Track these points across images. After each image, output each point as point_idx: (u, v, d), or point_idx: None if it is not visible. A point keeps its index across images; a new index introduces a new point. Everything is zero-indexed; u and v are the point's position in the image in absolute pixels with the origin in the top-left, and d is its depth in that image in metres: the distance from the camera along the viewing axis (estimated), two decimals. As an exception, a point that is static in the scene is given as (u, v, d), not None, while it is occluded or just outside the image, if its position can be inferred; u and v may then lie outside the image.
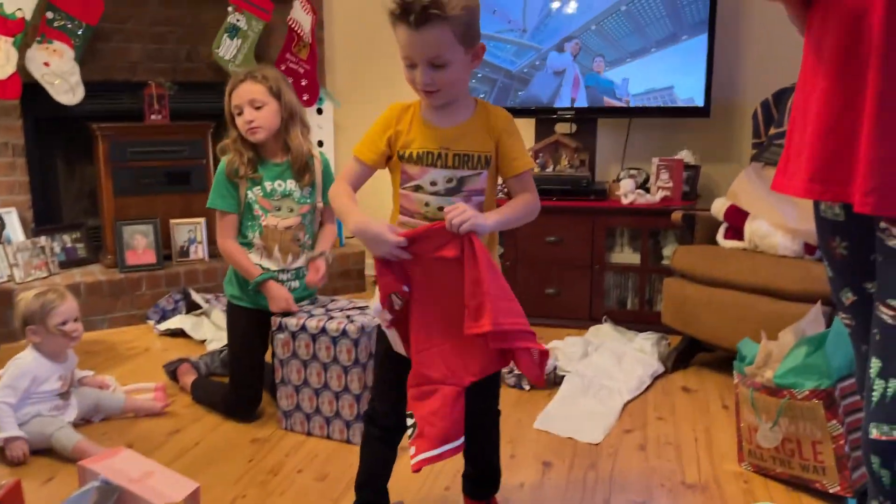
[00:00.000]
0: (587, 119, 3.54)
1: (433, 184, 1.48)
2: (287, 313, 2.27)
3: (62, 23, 3.29)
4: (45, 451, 2.15)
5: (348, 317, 2.21)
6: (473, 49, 1.42)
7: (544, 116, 3.58)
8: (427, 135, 1.48)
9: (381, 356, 1.65)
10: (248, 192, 2.34)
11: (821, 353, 1.87)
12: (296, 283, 2.40)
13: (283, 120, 2.33)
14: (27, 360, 2.22)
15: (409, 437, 1.52)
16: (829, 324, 2.00)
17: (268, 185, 2.33)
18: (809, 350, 1.91)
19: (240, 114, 2.29)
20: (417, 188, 1.50)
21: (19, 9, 3.17)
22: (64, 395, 2.28)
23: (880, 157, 1.08)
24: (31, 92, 3.28)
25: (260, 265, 2.34)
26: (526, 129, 3.71)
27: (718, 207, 2.85)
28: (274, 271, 2.34)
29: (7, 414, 2.13)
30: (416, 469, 1.48)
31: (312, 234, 2.45)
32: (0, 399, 2.13)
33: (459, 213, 1.39)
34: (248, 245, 2.37)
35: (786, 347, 1.98)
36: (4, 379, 2.18)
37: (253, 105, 2.28)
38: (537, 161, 3.52)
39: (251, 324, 2.37)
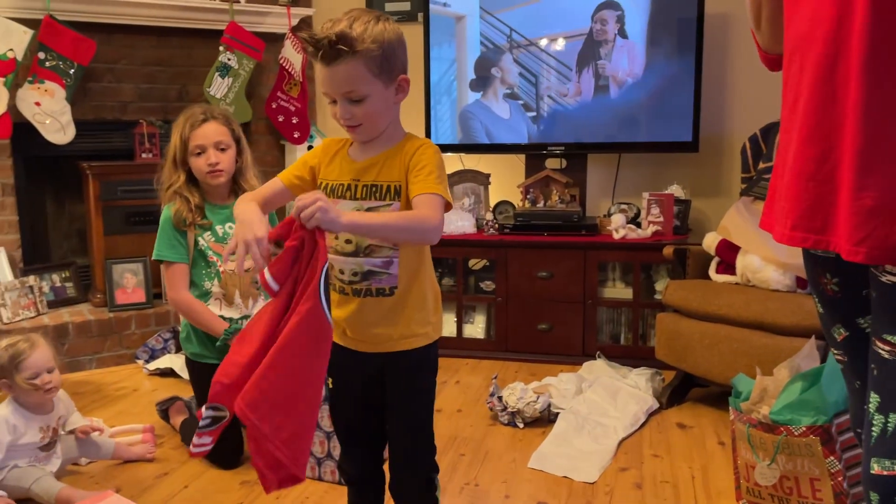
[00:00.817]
0: (577, 154, 3.56)
1: None
2: None
3: (54, 63, 3.30)
4: (24, 500, 2.08)
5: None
6: (394, 83, 1.40)
7: (534, 152, 3.60)
8: (344, 168, 1.47)
9: (332, 409, 1.64)
10: (199, 238, 2.30)
11: (817, 389, 1.86)
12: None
13: (238, 165, 2.33)
14: (4, 413, 2.10)
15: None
16: (823, 359, 1.99)
17: (219, 229, 2.30)
18: (805, 385, 1.89)
19: (199, 154, 2.26)
20: None
21: (10, 49, 3.18)
22: (46, 447, 2.17)
23: (866, 208, 1.08)
24: (21, 131, 3.27)
25: (221, 316, 2.29)
26: (516, 164, 3.73)
27: (710, 242, 2.86)
28: (237, 319, 2.30)
29: None
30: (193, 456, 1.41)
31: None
32: None
33: (311, 201, 1.24)
34: (205, 295, 2.31)
35: (781, 383, 1.97)
36: None
37: (218, 147, 2.26)
38: (528, 197, 3.53)
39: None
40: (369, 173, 1.44)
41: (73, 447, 2.30)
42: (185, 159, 2.29)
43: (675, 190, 3.44)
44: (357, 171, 1.45)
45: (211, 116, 2.30)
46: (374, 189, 1.43)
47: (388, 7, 4.01)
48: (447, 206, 1.41)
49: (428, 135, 3.67)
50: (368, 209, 1.42)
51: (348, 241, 1.43)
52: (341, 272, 1.45)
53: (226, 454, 2.34)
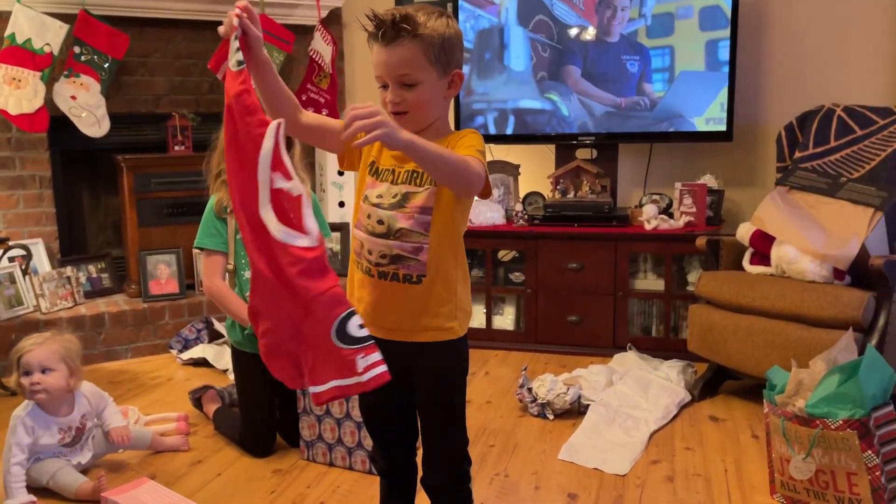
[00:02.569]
0: (608, 145, 3.53)
1: (379, 196, 1.42)
2: None
3: (89, 57, 3.36)
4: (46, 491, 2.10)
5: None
6: (448, 75, 1.39)
7: (565, 143, 3.57)
8: (390, 154, 1.44)
9: (361, 403, 1.63)
10: None
11: (854, 382, 1.82)
12: None
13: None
14: (19, 414, 2.09)
15: None
16: (861, 351, 1.95)
17: None
18: (842, 378, 1.86)
19: None
20: (365, 199, 1.45)
21: (47, 44, 3.23)
22: (70, 444, 2.16)
23: None
24: (58, 125, 3.34)
25: None
26: (547, 155, 3.71)
27: (744, 232, 2.81)
28: None
29: (17, 478, 2.01)
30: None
31: None
32: (11, 461, 2.02)
33: (369, 112, 1.18)
34: (247, 284, 2.32)
35: (817, 376, 1.93)
36: (7, 436, 2.08)
37: None
38: (558, 188, 3.50)
39: (257, 369, 2.30)
40: (408, 164, 1.41)
41: (103, 443, 2.30)
42: None
43: (708, 180, 3.39)
44: (401, 158, 1.41)
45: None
46: (413, 175, 1.40)
47: (418, -2, 4.01)
48: (486, 188, 1.38)
49: (457, 126, 3.66)
50: (406, 193, 1.40)
51: (380, 222, 1.40)
52: (370, 252, 1.42)
53: (259, 443, 2.36)
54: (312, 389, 1.20)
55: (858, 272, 2.48)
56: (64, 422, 2.15)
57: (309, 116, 1.43)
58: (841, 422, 1.80)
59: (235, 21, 1.27)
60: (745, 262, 2.82)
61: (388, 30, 1.32)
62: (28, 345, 2.11)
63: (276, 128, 1.18)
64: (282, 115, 1.38)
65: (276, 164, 1.17)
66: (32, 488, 2.08)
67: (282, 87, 1.38)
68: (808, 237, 2.58)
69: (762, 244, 2.74)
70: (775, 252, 2.67)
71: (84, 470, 2.20)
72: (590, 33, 3.45)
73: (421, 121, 1.40)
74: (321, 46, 3.85)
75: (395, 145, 1.22)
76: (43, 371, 2.09)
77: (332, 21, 4.00)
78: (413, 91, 1.36)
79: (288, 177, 1.18)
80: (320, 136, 1.45)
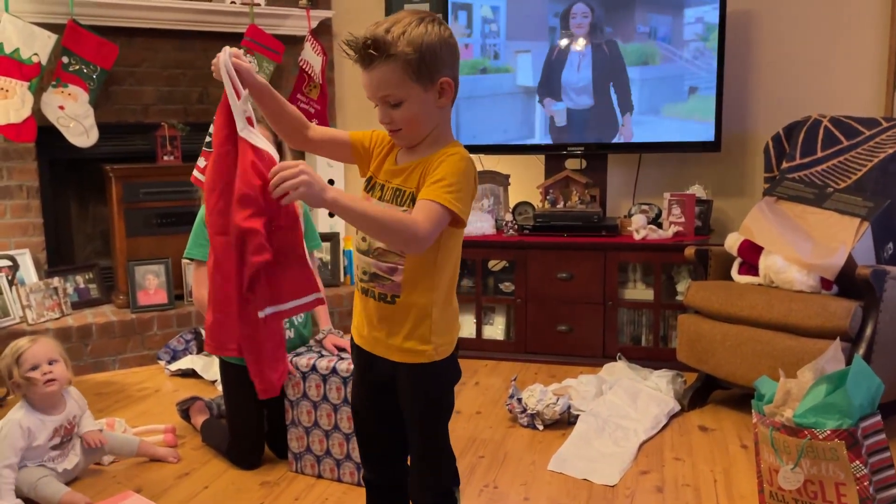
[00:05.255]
0: (597, 155, 3.54)
1: None
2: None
3: (77, 67, 3.34)
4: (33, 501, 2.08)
5: (359, 357, 2.19)
6: (435, 85, 1.34)
7: (554, 153, 3.58)
8: (385, 168, 1.44)
9: (352, 409, 1.64)
10: None
11: (842, 392, 1.82)
12: (290, 333, 2.38)
13: None
14: (15, 416, 2.10)
15: None
16: (849, 361, 1.95)
17: None
18: (830, 388, 1.86)
19: None
20: None
21: (35, 53, 3.22)
22: (58, 447, 2.16)
23: None
24: (46, 135, 3.32)
25: None
26: (536, 165, 3.72)
27: (732, 242, 2.83)
28: None
29: (6, 480, 2.01)
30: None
31: None
32: (2, 463, 2.02)
33: (295, 173, 1.19)
34: None
35: (805, 385, 1.93)
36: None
37: None
38: (547, 197, 3.51)
39: (245, 381, 2.29)
40: (399, 177, 1.41)
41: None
42: None
43: (697, 190, 3.41)
44: (391, 174, 1.42)
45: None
46: (397, 193, 1.39)
47: (408, 7, 4.01)
48: (456, 221, 1.33)
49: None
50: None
51: (363, 239, 1.41)
52: (357, 267, 1.46)
53: (247, 455, 2.35)
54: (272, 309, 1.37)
55: (846, 282, 2.50)
56: (57, 420, 2.15)
57: (317, 131, 1.46)
58: (829, 432, 1.80)
59: (223, 58, 1.33)
60: (734, 272, 2.83)
61: (361, 55, 1.31)
62: (25, 343, 2.14)
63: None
64: (289, 133, 1.45)
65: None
66: (20, 498, 2.07)
67: (283, 106, 1.41)
68: (796, 247, 2.59)
69: (750, 254, 2.75)
70: (763, 262, 2.68)
71: (69, 481, 2.17)
72: (579, 44, 3.46)
73: (415, 136, 1.39)
74: (311, 57, 3.85)
75: (317, 203, 1.21)
76: (49, 363, 2.13)
77: (322, 31, 4.01)
78: (400, 109, 1.34)
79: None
80: (331, 148, 1.48)
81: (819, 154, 2.90)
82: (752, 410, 2.04)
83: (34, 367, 2.11)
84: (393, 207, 1.37)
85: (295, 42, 3.88)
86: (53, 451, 2.16)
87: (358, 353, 1.52)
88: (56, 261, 3.61)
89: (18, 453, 2.06)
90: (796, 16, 3.40)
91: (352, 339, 1.54)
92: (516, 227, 3.47)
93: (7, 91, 3.18)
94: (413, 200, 1.36)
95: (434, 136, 1.40)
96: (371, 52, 1.29)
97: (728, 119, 3.40)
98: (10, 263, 3.21)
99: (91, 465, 2.32)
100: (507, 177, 3.75)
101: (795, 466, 1.87)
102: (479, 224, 3.51)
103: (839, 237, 2.57)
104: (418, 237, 1.27)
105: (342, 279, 3.92)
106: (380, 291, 1.41)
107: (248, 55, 3.64)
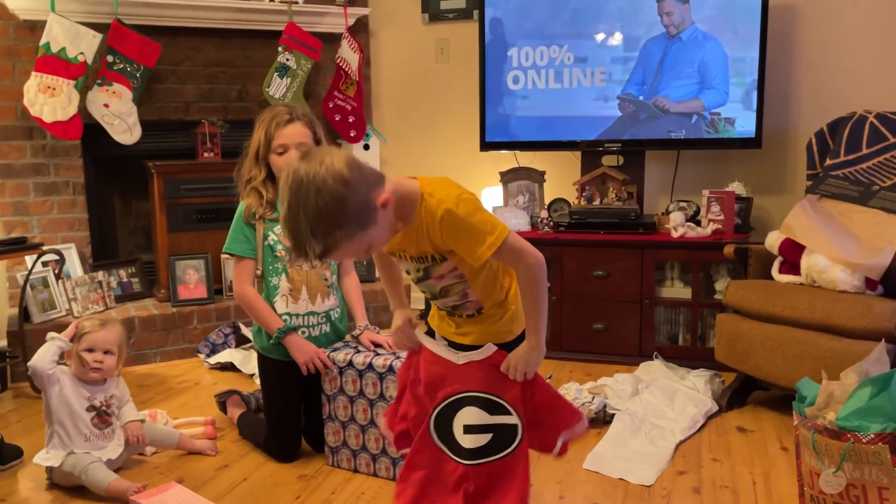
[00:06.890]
0: (634, 151, 3.51)
1: (407, 272, 1.60)
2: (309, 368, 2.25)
3: (121, 66, 3.42)
4: (82, 491, 2.14)
5: (395, 353, 2.21)
6: (369, 219, 1.32)
7: (590, 149, 3.56)
8: (392, 242, 1.50)
9: None
10: (269, 232, 2.33)
11: (886, 395, 1.78)
12: (326, 327, 2.39)
13: None
14: (60, 369, 2.23)
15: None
16: (894, 363, 1.91)
17: None
18: (874, 391, 1.82)
19: (281, 153, 2.29)
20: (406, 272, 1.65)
21: (81, 52, 3.30)
22: (100, 426, 2.23)
23: None
24: (91, 132, 3.40)
25: (287, 313, 2.33)
26: (572, 161, 3.70)
27: (773, 241, 2.78)
28: (301, 315, 2.33)
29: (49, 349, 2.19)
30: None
31: (336, 273, 2.45)
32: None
33: (518, 365, 1.55)
34: (273, 290, 2.34)
35: (849, 388, 1.90)
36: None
37: (300, 148, 2.28)
38: (583, 194, 3.49)
39: (283, 376, 2.34)
40: (409, 247, 1.50)
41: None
42: (267, 156, 2.33)
43: (737, 187, 3.35)
44: (397, 245, 1.51)
45: (296, 117, 2.31)
46: (421, 258, 1.51)
47: (444, 5, 4.02)
48: (530, 255, 1.46)
49: (483, 133, 3.66)
50: (425, 269, 1.52)
51: (424, 291, 1.59)
52: (433, 305, 1.66)
53: (284, 448, 2.38)
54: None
55: (892, 282, 2.44)
56: (93, 391, 2.23)
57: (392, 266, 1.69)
58: (872, 435, 1.76)
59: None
60: (774, 271, 2.78)
61: (313, 260, 1.38)
62: (94, 325, 2.25)
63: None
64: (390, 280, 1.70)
65: None
66: (63, 487, 2.14)
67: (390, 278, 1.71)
68: (840, 246, 2.54)
69: (792, 253, 2.70)
70: (805, 261, 2.63)
71: (114, 470, 2.23)
72: (616, 39, 3.43)
73: (391, 235, 1.44)
74: (348, 54, 3.88)
75: (541, 357, 1.56)
76: (105, 352, 2.24)
77: (359, 29, 4.04)
78: (356, 252, 1.37)
79: None
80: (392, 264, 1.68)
81: (864, 151, 2.84)
82: (794, 412, 2.01)
83: (90, 350, 2.22)
84: (494, 278, 1.56)
85: (332, 39, 3.91)
86: (96, 430, 2.22)
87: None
88: (100, 255, 3.70)
89: (56, 357, 2.20)
90: (840, 8, 3.32)
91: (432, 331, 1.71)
92: (552, 224, 3.45)
93: (54, 89, 3.27)
94: (443, 257, 1.49)
95: (403, 212, 1.41)
96: (297, 257, 1.35)
97: (769, 114, 3.34)
98: (56, 258, 3.29)
99: (134, 454, 2.37)
100: (543, 173, 3.73)
101: (837, 470, 1.84)
102: (515, 221, 3.50)
103: (885, 236, 2.51)
104: (540, 265, 1.47)
105: (377, 274, 3.94)
106: (467, 314, 1.60)
107: (286, 52, 3.70)
